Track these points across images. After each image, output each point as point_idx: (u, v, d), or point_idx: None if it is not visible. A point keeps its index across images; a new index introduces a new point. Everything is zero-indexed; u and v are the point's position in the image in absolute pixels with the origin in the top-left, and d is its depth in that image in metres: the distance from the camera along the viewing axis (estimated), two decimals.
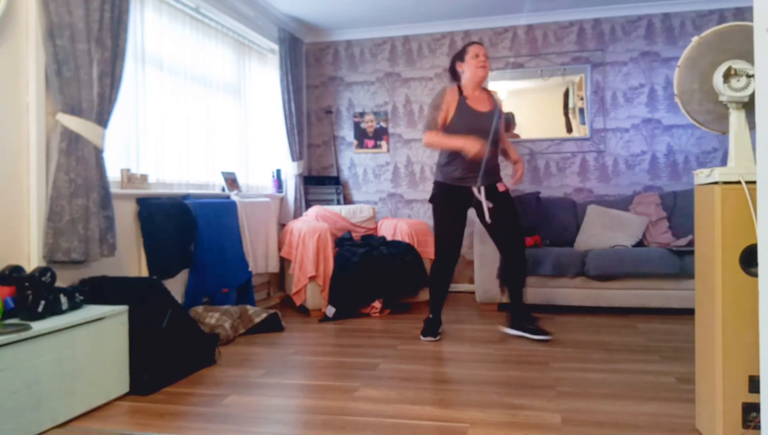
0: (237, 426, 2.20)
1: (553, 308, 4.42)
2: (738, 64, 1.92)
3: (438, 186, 3.58)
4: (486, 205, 3.49)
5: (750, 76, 1.89)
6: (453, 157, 3.48)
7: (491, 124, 3.47)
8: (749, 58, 1.94)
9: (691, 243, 4.39)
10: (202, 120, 4.19)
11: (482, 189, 3.49)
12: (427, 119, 3.53)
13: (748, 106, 1.96)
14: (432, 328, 3.57)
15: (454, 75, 3.61)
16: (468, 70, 3.50)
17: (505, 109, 5.21)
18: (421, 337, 3.56)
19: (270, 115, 5.24)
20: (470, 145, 3.29)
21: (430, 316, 3.63)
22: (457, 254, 3.56)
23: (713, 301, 1.91)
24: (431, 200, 3.61)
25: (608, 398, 2.45)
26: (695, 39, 2.04)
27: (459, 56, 3.57)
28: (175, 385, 2.70)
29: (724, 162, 4.88)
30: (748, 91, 1.90)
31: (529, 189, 5.24)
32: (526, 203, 4.83)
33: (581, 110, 5.13)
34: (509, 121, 5.15)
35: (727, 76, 1.94)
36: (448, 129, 3.48)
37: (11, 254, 2.58)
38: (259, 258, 4.46)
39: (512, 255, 3.53)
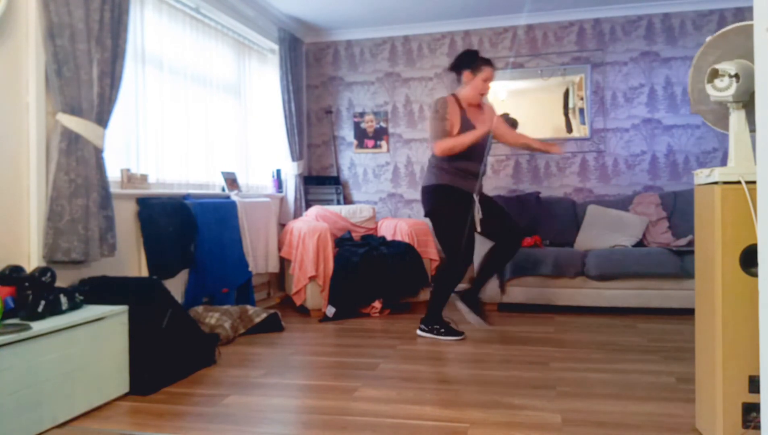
0: (237, 426, 2.20)
1: (553, 308, 4.42)
2: (721, 65, 1.92)
3: (442, 189, 3.48)
4: (478, 216, 3.46)
5: (732, 76, 1.89)
6: (460, 158, 3.44)
7: (488, 142, 3.55)
8: (751, 57, 1.94)
9: (691, 243, 4.39)
10: (201, 120, 4.19)
11: (476, 198, 3.49)
12: (435, 131, 3.43)
13: (749, 105, 1.96)
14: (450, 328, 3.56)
15: (458, 75, 3.58)
16: (472, 88, 3.51)
17: (506, 109, 5.23)
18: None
19: (270, 115, 5.24)
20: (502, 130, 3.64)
21: (444, 319, 3.60)
22: (471, 258, 3.49)
23: (713, 301, 1.91)
24: (432, 207, 3.50)
25: (608, 398, 2.45)
26: (707, 40, 2.06)
27: (470, 65, 3.50)
28: (175, 385, 2.70)
29: (724, 162, 4.88)
30: (731, 91, 1.90)
31: (529, 189, 5.24)
32: (526, 203, 4.84)
33: (581, 110, 5.13)
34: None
35: (712, 76, 1.95)
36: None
37: (11, 254, 2.58)
38: (259, 258, 4.46)
39: (506, 245, 3.52)
